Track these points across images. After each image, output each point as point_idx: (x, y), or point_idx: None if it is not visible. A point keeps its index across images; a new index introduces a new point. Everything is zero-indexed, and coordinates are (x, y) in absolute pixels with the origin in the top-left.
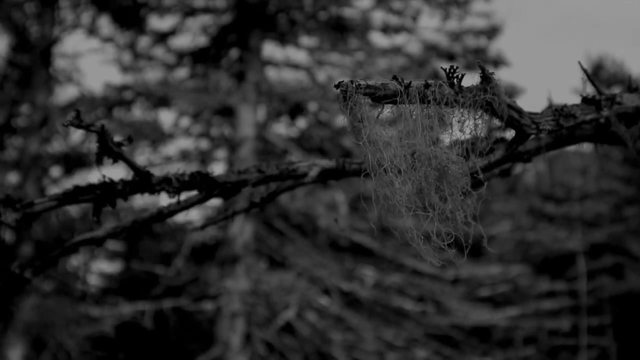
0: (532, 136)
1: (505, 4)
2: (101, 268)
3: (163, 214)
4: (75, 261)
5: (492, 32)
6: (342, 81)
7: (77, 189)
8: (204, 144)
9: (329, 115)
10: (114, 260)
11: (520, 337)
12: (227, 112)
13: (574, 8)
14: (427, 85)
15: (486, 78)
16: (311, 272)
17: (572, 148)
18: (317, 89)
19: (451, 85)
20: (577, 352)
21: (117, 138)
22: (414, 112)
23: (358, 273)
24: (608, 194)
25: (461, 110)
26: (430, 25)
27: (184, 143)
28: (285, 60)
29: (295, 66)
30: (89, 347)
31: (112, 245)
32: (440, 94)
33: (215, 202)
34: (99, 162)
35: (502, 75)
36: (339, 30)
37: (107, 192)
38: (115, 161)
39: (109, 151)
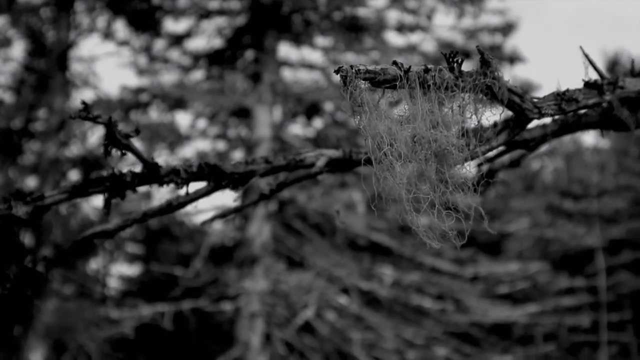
0: (535, 120)
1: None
2: (121, 271)
3: (172, 206)
4: (95, 264)
5: (507, 29)
6: (342, 66)
7: (87, 181)
8: (221, 145)
9: (345, 115)
10: (133, 263)
11: (540, 334)
12: (244, 113)
13: (595, 3)
14: (426, 70)
15: (485, 62)
16: (330, 271)
17: (589, 144)
18: (332, 88)
19: (451, 69)
20: (597, 349)
21: (124, 130)
22: (414, 97)
23: (377, 272)
24: (626, 190)
25: (461, 94)
26: (445, 24)
27: (201, 145)
28: (301, 61)
29: (310, 66)
30: (109, 349)
31: (132, 248)
32: (440, 78)
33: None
34: (107, 153)
35: (518, 72)
36: (354, 30)
37: (117, 184)
38: (123, 153)
39: (116, 143)
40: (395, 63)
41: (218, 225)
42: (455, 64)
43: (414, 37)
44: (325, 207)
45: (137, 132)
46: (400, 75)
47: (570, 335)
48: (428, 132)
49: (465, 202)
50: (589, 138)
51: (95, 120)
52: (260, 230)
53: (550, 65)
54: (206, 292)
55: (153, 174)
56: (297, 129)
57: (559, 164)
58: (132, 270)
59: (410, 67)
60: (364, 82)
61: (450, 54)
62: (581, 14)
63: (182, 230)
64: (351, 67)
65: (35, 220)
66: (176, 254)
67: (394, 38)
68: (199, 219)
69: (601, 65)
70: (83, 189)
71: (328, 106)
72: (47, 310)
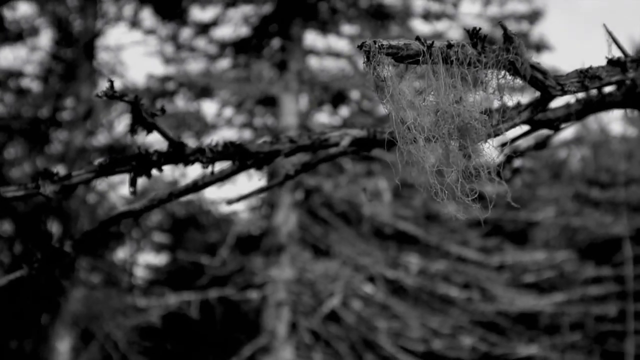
0: (558, 99)
1: None
2: (147, 260)
3: (198, 185)
4: (122, 253)
5: (533, 16)
6: (365, 41)
7: (113, 160)
8: (247, 134)
9: (372, 104)
10: (160, 252)
11: (566, 323)
12: (270, 102)
13: None
14: (449, 46)
15: (508, 38)
16: (356, 260)
17: (617, 133)
18: (358, 77)
19: (474, 45)
20: (624, 338)
21: (150, 109)
22: (437, 72)
23: (403, 260)
24: None
25: (484, 70)
26: (472, 11)
27: (227, 133)
28: (327, 49)
29: (336, 54)
30: (136, 337)
31: (158, 237)
32: (463, 54)
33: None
34: (133, 132)
35: (546, 60)
36: (380, 18)
37: (143, 163)
38: (149, 131)
39: (142, 121)
40: (418, 38)
41: (244, 214)
42: (478, 40)
43: (440, 25)
44: (351, 196)
45: (163, 111)
46: (423, 51)
47: (597, 325)
48: (451, 107)
49: (491, 190)
50: (617, 126)
51: (121, 98)
52: (286, 218)
53: (578, 54)
54: (232, 280)
55: (179, 152)
56: (324, 117)
57: (586, 152)
58: (158, 259)
59: (433, 42)
60: (387, 57)
61: (474, 30)
62: (612, 2)
63: (209, 219)
64: (374, 42)
65: (63, 198)
66: (203, 242)
67: (420, 26)
68: (226, 208)
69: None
70: (110, 168)
71: (354, 94)
72: (75, 299)
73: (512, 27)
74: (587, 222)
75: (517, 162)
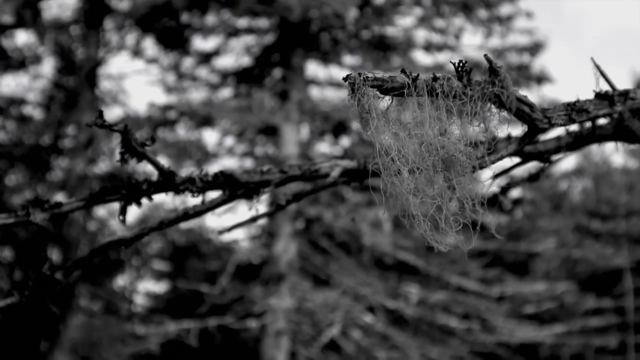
0: (549, 132)
1: (557, 20)
2: (147, 287)
3: (189, 214)
4: (121, 281)
5: (535, 48)
6: (350, 74)
7: (104, 189)
8: (248, 163)
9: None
10: (160, 280)
11: (567, 355)
12: (271, 131)
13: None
14: (435, 79)
15: (494, 71)
16: (356, 290)
17: (618, 165)
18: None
19: (460, 78)
20: None
21: (140, 138)
22: (422, 104)
23: (403, 291)
24: None
25: (470, 103)
26: (473, 43)
27: (228, 162)
28: (328, 79)
29: (338, 85)
30: None
31: (158, 265)
32: (448, 86)
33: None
34: (123, 161)
35: (547, 92)
36: (382, 49)
37: (133, 192)
38: (139, 160)
39: (132, 151)
40: (403, 71)
41: (245, 242)
42: (464, 73)
43: (442, 56)
44: (351, 226)
45: (153, 140)
46: (408, 83)
47: (597, 356)
48: (436, 139)
49: (468, 204)
50: (618, 158)
51: (110, 128)
52: (286, 248)
53: (579, 86)
54: (232, 309)
55: (169, 182)
56: (325, 147)
57: (587, 184)
58: (158, 287)
59: (418, 75)
60: (372, 89)
61: (459, 63)
62: (612, 35)
63: (209, 247)
64: (359, 74)
65: (53, 227)
66: (203, 271)
67: (421, 57)
68: (226, 237)
69: (630, 84)
70: (100, 197)
71: (355, 125)
72: (74, 326)
73: (513, 59)
74: (587, 254)
75: (510, 195)
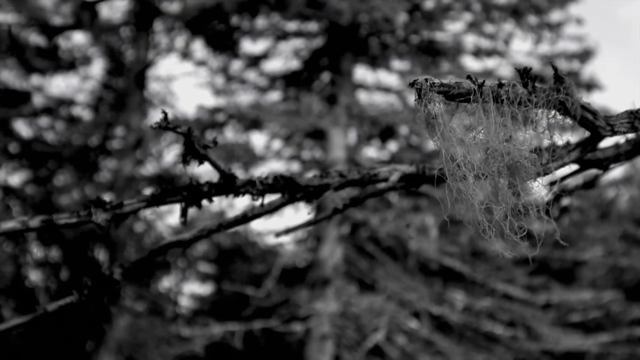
0: (608, 140)
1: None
2: (192, 289)
3: (247, 217)
4: (167, 282)
5: (584, 55)
6: (417, 79)
7: (165, 190)
8: (295, 166)
9: (420, 139)
10: (205, 282)
11: None
12: (319, 135)
13: None
14: (500, 85)
15: (559, 78)
16: (401, 295)
17: None
18: (407, 112)
19: (525, 85)
20: None
21: (203, 140)
22: (488, 110)
23: (448, 297)
24: None
25: (535, 110)
26: (523, 49)
27: (275, 166)
28: (377, 84)
29: (386, 89)
30: None
31: (204, 267)
32: (513, 93)
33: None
34: (185, 162)
35: (596, 99)
36: (431, 54)
37: (194, 194)
38: (200, 162)
39: (195, 153)
40: (469, 77)
41: (290, 246)
42: (529, 80)
43: (491, 62)
44: (397, 231)
45: (215, 143)
46: (474, 89)
47: None
48: (501, 145)
49: (539, 228)
50: None
51: (175, 130)
52: (332, 252)
53: (631, 94)
54: (277, 312)
55: (229, 184)
56: (372, 151)
57: (635, 192)
58: (203, 289)
59: (484, 81)
60: (438, 95)
61: (524, 70)
62: None
63: (255, 250)
64: (426, 80)
65: (115, 227)
66: (248, 273)
67: (470, 62)
68: (272, 239)
69: None
70: (161, 198)
71: (403, 129)
72: (120, 327)
73: (562, 65)
74: (634, 262)
75: (566, 201)
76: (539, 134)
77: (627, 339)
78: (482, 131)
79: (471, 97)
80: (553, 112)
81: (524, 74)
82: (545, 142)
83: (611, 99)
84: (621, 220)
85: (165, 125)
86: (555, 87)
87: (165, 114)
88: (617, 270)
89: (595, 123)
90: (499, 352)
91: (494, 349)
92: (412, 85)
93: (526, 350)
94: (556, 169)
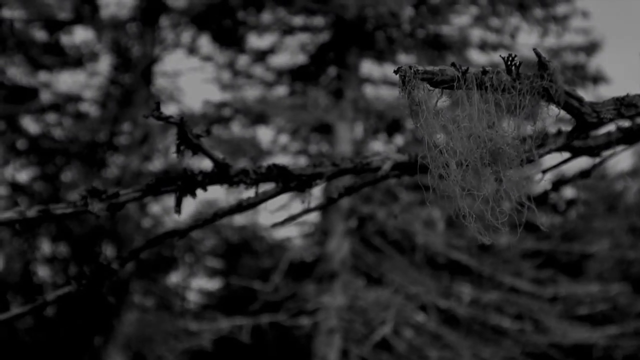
0: (596, 125)
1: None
2: (200, 284)
3: (242, 206)
4: (175, 278)
5: (591, 48)
6: (401, 66)
7: (159, 180)
8: (302, 161)
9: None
10: (213, 277)
11: (620, 357)
12: (325, 130)
13: None
14: (484, 72)
15: (543, 65)
16: (408, 288)
17: None
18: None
19: (509, 72)
20: None
21: (196, 130)
22: (471, 97)
23: (455, 290)
24: None
25: (519, 97)
26: (529, 42)
27: (282, 160)
28: (383, 78)
29: (392, 83)
30: None
31: (211, 262)
32: (497, 80)
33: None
34: (179, 152)
35: (603, 92)
36: (437, 48)
37: (188, 183)
38: (194, 152)
39: (188, 142)
40: (453, 64)
41: (297, 240)
42: (513, 67)
43: (497, 56)
44: (404, 224)
45: (208, 132)
46: (457, 76)
47: None
48: (484, 132)
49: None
50: None
51: (167, 120)
52: (339, 246)
53: (637, 87)
54: (284, 306)
55: (223, 173)
56: (378, 145)
57: None
58: (211, 284)
59: (468, 68)
60: (422, 82)
61: (508, 57)
62: None
63: (262, 245)
64: (410, 67)
65: (110, 217)
66: (256, 268)
67: (476, 56)
68: (279, 235)
69: None
70: (156, 188)
71: (409, 123)
72: (128, 322)
73: (569, 58)
74: None
75: (563, 193)
76: (523, 121)
77: (635, 331)
78: (466, 118)
79: (455, 84)
80: (537, 98)
81: (508, 61)
82: (529, 129)
83: (621, 92)
84: (629, 212)
85: (158, 115)
86: (539, 73)
87: (158, 103)
88: (624, 263)
89: (580, 109)
90: (507, 346)
91: (501, 342)
92: (396, 72)
93: (533, 343)
94: (541, 155)
